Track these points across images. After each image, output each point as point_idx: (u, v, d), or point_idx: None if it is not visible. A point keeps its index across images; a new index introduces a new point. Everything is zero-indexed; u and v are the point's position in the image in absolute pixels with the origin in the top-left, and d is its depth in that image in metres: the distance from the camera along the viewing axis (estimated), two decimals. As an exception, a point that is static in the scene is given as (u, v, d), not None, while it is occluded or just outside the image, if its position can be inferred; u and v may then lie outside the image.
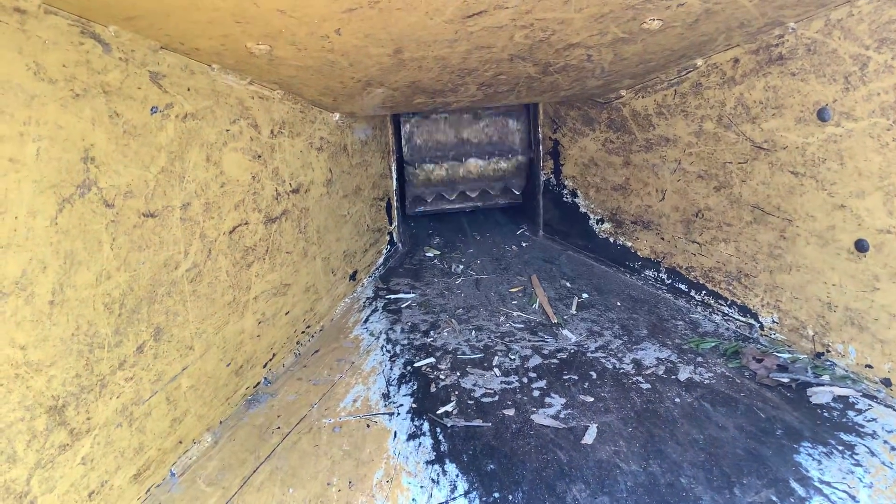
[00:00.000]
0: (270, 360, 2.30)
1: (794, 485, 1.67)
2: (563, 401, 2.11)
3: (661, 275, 2.92)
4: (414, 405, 2.11)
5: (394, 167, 3.42)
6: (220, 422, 2.02)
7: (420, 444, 1.91)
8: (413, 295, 3.03)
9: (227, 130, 1.98)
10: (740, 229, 2.44)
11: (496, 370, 2.32)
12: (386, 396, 2.17)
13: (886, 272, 1.94)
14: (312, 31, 1.69)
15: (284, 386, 2.26)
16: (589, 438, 1.90)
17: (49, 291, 1.38)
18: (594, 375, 2.26)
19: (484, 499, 1.68)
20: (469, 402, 2.12)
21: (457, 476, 1.77)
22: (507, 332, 2.63)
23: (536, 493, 1.69)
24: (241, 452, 1.90)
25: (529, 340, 2.55)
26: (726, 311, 2.58)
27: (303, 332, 2.53)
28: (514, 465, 1.80)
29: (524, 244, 3.72)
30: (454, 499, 1.69)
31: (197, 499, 1.71)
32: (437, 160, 3.62)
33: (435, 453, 1.87)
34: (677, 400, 2.08)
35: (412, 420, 2.03)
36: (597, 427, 1.96)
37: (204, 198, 1.88)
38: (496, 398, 2.14)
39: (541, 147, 3.58)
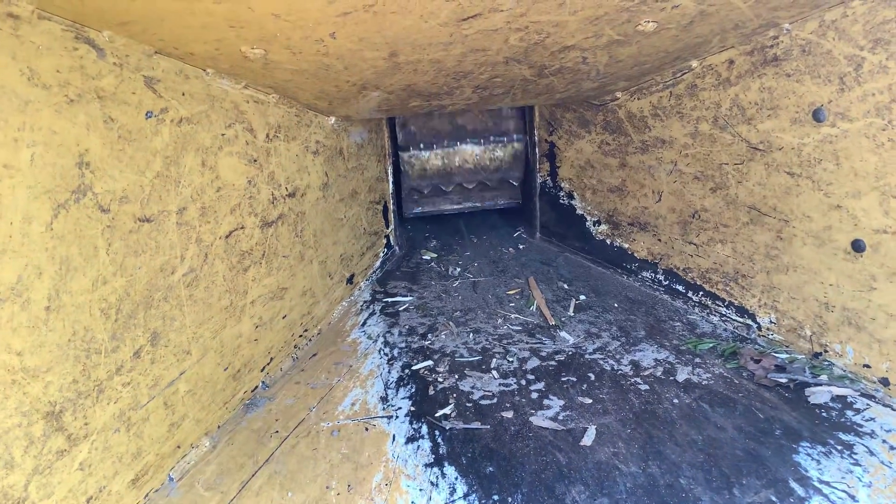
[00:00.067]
0: (268, 364, 2.29)
1: (794, 485, 1.67)
2: (562, 402, 2.11)
3: (658, 276, 2.92)
4: (412, 408, 2.11)
5: (390, 170, 3.42)
6: (218, 426, 2.01)
7: (419, 447, 1.91)
8: (410, 298, 3.03)
9: (223, 135, 1.98)
10: (737, 230, 2.45)
11: (494, 372, 2.32)
12: (384, 399, 2.17)
13: (883, 272, 1.95)
14: (307, 35, 1.69)
15: (282, 390, 2.26)
16: (588, 440, 1.90)
17: (45, 297, 1.37)
18: (592, 377, 2.25)
19: (483, 501, 1.68)
20: (467, 404, 2.12)
21: (456, 479, 1.76)
22: (504, 335, 2.63)
23: (536, 494, 1.69)
24: (240, 457, 1.89)
25: (527, 342, 2.55)
26: (724, 312, 2.58)
27: (300, 336, 2.53)
28: (513, 467, 1.80)
29: (521, 246, 3.72)
30: (453, 501, 1.68)
31: (195, 503, 1.71)
32: (432, 145, 3.61)
33: (434, 456, 1.86)
34: (676, 401, 2.08)
35: (411, 423, 2.03)
36: (595, 428, 1.95)
37: (200, 202, 1.88)
38: (494, 400, 2.14)
39: (537, 149, 3.58)
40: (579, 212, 3.38)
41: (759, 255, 2.37)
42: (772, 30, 2.13)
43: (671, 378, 2.21)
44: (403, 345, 2.56)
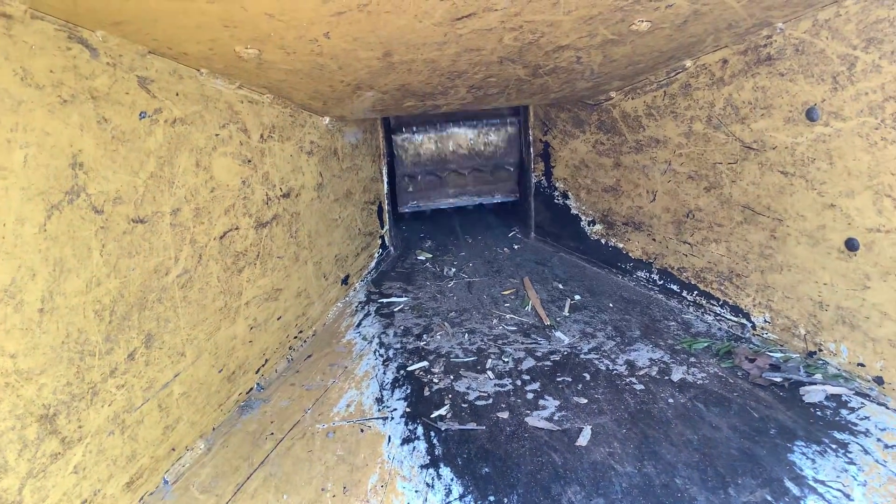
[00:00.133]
0: (263, 365, 2.28)
1: (789, 484, 1.67)
2: (557, 403, 2.11)
3: (652, 276, 2.92)
4: (408, 409, 2.11)
5: (384, 170, 3.41)
6: (213, 428, 2.00)
7: (414, 448, 1.91)
8: (405, 298, 3.03)
9: (217, 135, 1.97)
10: (731, 229, 2.45)
11: (489, 373, 2.32)
12: (379, 401, 2.16)
13: (877, 271, 1.95)
14: (301, 35, 1.69)
15: (277, 391, 2.25)
16: (583, 440, 1.90)
17: (38, 299, 1.37)
18: (588, 377, 2.26)
19: (479, 502, 1.67)
20: (463, 405, 2.12)
21: (451, 480, 1.76)
22: (500, 335, 2.63)
23: (531, 495, 1.69)
24: (235, 459, 1.88)
25: (522, 343, 2.55)
26: (718, 312, 2.58)
27: (295, 338, 2.52)
28: (509, 467, 1.80)
29: (516, 246, 3.72)
30: (449, 502, 1.68)
31: (190, 506, 1.70)
32: (425, 129, 3.60)
33: (429, 457, 1.86)
34: (671, 401, 2.08)
35: (406, 424, 2.03)
36: (591, 429, 1.95)
37: (194, 203, 1.87)
38: (490, 401, 2.14)
39: (531, 149, 3.58)
40: (574, 212, 3.38)
41: (754, 255, 2.37)
42: (765, 29, 2.13)
43: (666, 378, 2.22)
44: (399, 346, 2.56)
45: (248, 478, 1.80)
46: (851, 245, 2.01)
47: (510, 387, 2.22)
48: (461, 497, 1.70)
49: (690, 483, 1.70)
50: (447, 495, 1.70)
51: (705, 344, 2.41)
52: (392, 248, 3.56)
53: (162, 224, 1.75)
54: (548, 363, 2.37)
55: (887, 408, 1.93)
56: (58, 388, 1.42)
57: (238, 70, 1.93)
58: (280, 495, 1.73)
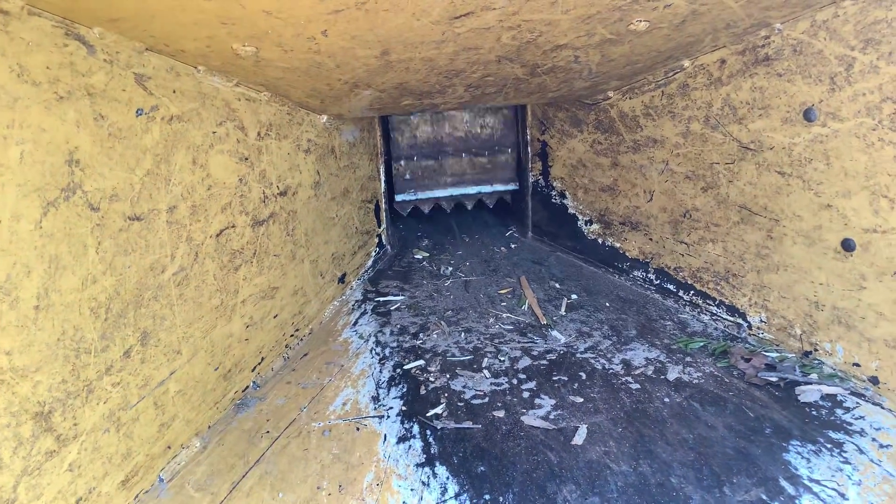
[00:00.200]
0: (259, 363, 2.28)
1: (784, 483, 1.67)
2: (553, 402, 2.11)
3: (649, 275, 2.93)
4: (404, 408, 2.11)
5: (382, 168, 3.41)
6: (209, 426, 2.00)
7: (410, 446, 1.91)
8: (402, 297, 3.03)
9: (214, 133, 1.97)
10: (728, 229, 2.45)
11: (486, 372, 2.32)
12: (375, 399, 2.16)
13: (873, 271, 1.95)
14: (299, 33, 1.68)
15: (273, 390, 2.25)
16: (579, 439, 1.90)
17: (34, 296, 1.36)
18: (584, 376, 2.26)
19: (474, 501, 1.67)
20: (459, 404, 2.12)
21: (447, 478, 1.76)
22: (496, 334, 2.63)
23: (527, 494, 1.69)
24: (230, 457, 1.88)
25: (519, 342, 2.55)
26: (714, 311, 2.59)
27: (291, 336, 2.52)
28: (505, 466, 1.80)
29: (513, 246, 3.72)
30: (445, 501, 1.68)
31: (185, 504, 1.70)
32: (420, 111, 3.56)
33: (425, 456, 1.86)
34: (666, 400, 2.08)
35: (402, 423, 2.03)
36: (587, 428, 1.96)
37: (190, 201, 1.87)
38: (486, 400, 2.14)
39: (529, 148, 3.58)
40: (571, 211, 3.38)
41: (750, 255, 2.38)
42: (763, 29, 2.14)
43: (662, 377, 2.22)
44: (395, 344, 2.56)
45: (243, 476, 1.80)
46: (848, 245, 2.01)
47: (506, 385, 2.22)
48: (457, 496, 1.70)
49: (686, 482, 1.70)
50: (443, 494, 1.71)
51: (701, 343, 2.42)
52: (389, 247, 3.56)
53: (158, 222, 1.74)
54: (544, 362, 2.37)
55: (882, 407, 1.94)
56: (53, 386, 1.41)
57: (235, 67, 1.93)
58: (275, 493, 1.73)
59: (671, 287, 2.80)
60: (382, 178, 3.41)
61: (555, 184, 3.46)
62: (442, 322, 2.74)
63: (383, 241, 3.48)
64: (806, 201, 2.13)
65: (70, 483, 1.46)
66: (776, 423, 1.92)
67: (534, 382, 2.23)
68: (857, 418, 1.91)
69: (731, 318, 2.51)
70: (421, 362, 2.40)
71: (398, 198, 3.74)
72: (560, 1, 1.70)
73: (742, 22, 2.05)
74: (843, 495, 1.62)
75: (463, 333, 2.64)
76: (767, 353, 2.26)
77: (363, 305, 2.93)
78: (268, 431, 2.00)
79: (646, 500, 1.65)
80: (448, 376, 2.29)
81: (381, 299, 3.00)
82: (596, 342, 2.51)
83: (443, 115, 3.61)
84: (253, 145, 2.18)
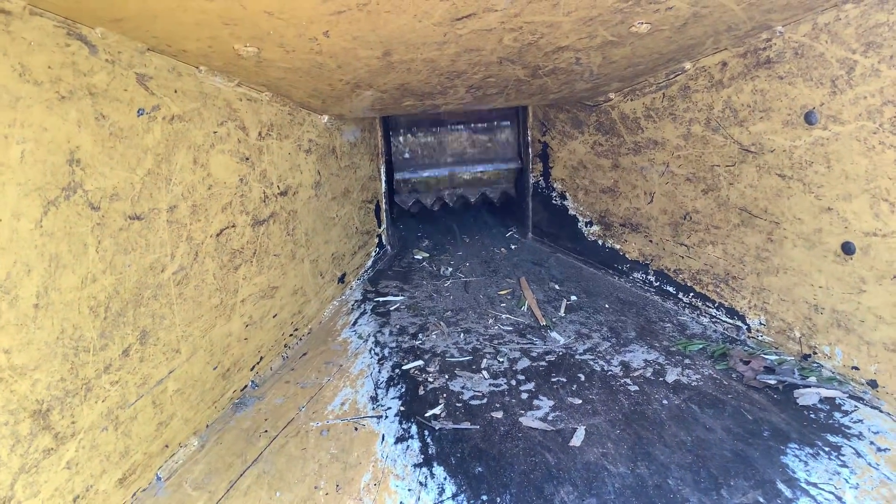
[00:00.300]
0: (258, 363, 2.29)
1: (781, 486, 1.67)
2: (552, 403, 2.11)
3: (649, 277, 2.93)
4: (402, 408, 2.11)
5: (383, 169, 3.41)
6: (207, 425, 2.00)
7: (408, 447, 1.91)
8: (402, 297, 3.03)
9: (215, 132, 1.97)
10: (728, 232, 2.45)
11: (484, 373, 2.32)
12: (374, 399, 2.16)
13: (873, 274, 1.96)
14: (300, 34, 1.69)
15: (272, 389, 2.25)
16: (577, 441, 1.90)
17: (33, 294, 1.37)
18: (582, 378, 2.26)
19: (472, 501, 1.68)
20: (457, 404, 2.12)
21: (445, 479, 1.76)
22: (495, 335, 2.63)
23: (524, 495, 1.69)
24: (228, 456, 1.89)
25: (518, 343, 2.55)
26: (714, 314, 2.59)
27: (290, 335, 2.53)
28: (503, 467, 1.80)
29: (513, 246, 3.72)
30: (442, 502, 1.68)
31: (183, 503, 1.70)
32: None
33: (423, 456, 1.86)
34: (665, 402, 2.08)
35: (400, 423, 2.03)
36: (585, 429, 1.96)
37: (191, 200, 1.87)
38: (484, 401, 2.14)
39: (530, 150, 3.58)
40: (571, 212, 3.39)
41: (750, 257, 2.38)
42: (765, 32, 2.14)
43: (661, 379, 2.22)
44: (394, 344, 2.56)
45: (241, 475, 1.80)
46: (848, 249, 2.01)
47: (505, 386, 2.22)
48: (454, 496, 1.70)
49: (683, 484, 1.70)
50: (440, 494, 1.71)
51: (700, 346, 2.42)
52: (389, 247, 3.56)
53: (158, 221, 1.75)
54: (543, 363, 2.37)
55: (880, 411, 1.94)
56: (51, 384, 1.42)
57: (237, 68, 1.93)
58: (273, 493, 1.73)
59: (671, 289, 2.80)
60: (383, 178, 3.41)
61: (555, 185, 3.46)
62: (441, 323, 2.75)
63: (383, 241, 3.49)
64: (806, 204, 2.13)
65: (68, 481, 1.46)
66: (774, 425, 1.92)
67: (532, 384, 2.23)
68: (855, 422, 1.91)
69: (731, 321, 2.51)
70: (420, 363, 2.40)
71: (397, 175, 3.64)
72: (562, 3, 1.70)
73: (743, 24, 2.05)
74: (840, 499, 1.62)
75: (462, 334, 2.64)
76: (766, 356, 2.26)
77: (363, 305, 2.94)
78: (266, 431, 2.00)
79: (643, 501, 1.65)
80: (447, 377, 2.30)
81: (381, 299, 3.00)
82: (595, 344, 2.52)
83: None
84: (254, 145, 2.18)
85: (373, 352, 2.50)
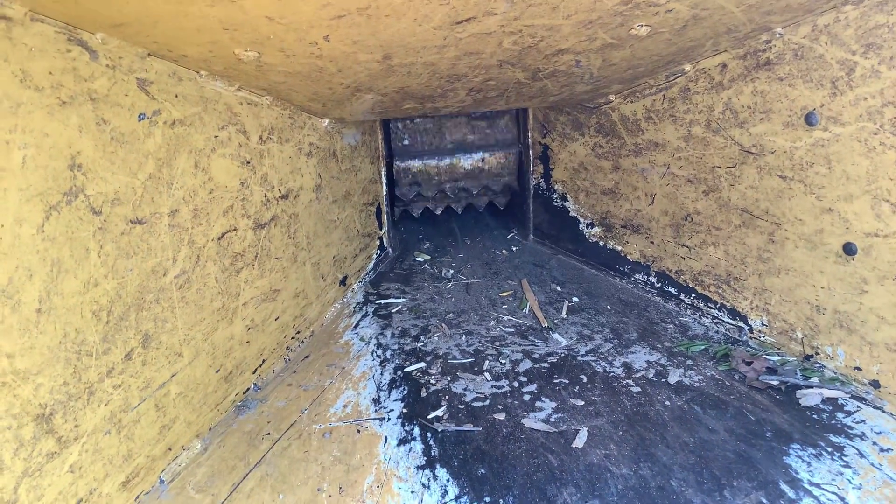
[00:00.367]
0: (260, 365, 2.29)
1: (784, 487, 1.67)
2: (554, 405, 2.11)
3: (650, 278, 2.93)
4: (404, 410, 2.11)
5: (384, 172, 3.41)
6: (210, 428, 2.01)
7: (411, 449, 1.91)
8: (403, 300, 3.03)
9: (216, 137, 1.98)
10: (729, 233, 2.46)
11: (487, 374, 2.32)
12: (376, 401, 2.17)
13: (874, 275, 1.96)
14: (301, 38, 1.69)
15: (274, 392, 2.25)
16: (579, 442, 1.91)
17: (36, 299, 1.37)
18: (584, 379, 2.26)
19: (475, 503, 1.68)
20: (460, 406, 2.12)
21: (448, 481, 1.77)
22: (497, 337, 2.63)
23: (527, 497, 1.69)
24: (231, 459, 1.89)
25: (520, 344, 2.55)
26: (716, 314, 2.59)
27: (293, 338, 2.53)
28: (505, 469, 1.81)
29: (514, 248, 3.72)
30: (445, 503, 1.69)
31: (186, 506, 1.71)
32: None
33: (426, 458, 1.87)
34: (667, 403, 2.08)
35: (403, 425, 2.03)
36: (587, 431, 1.96)
37: (192, 204, 1.88)
38: (487, 402, 2.14)
39: (531, 151, 3.58)
40: (572, 214, 3.39)
41: (752, 258, 2.38)
42: (765, 34, 2.14)
43: (663, 380, 2.22)
44: (396, 347, 2.56)
45: (244, 477, 1.81)
46: (849, 249, 2.01)
47: (507, 388, 2.22)
48: (457, 498, 1.70)
49: (686, 485, 1.70)
50: (443, 496, 1.71)
51: (702, 346, 2.42)
52: (390, 250, 3.56)
53: (160, 225, 1.75)
54: (545, 365, 2.37)
55: (883, 411, 1.94)
56: (54, 388, 1.42)
57: (237, 72, 1.94)
58: (276, 495, 1.73)
59: (672, 290, 2.80)
60: (384, 181, 3.41)
61: (556, 187, 3.46)
62: (443, 324, 2.75)
63: (385, 243, 3.49)
64: (807, 205, 2.13)
65: (71, 484, 1.47)
66: (777, 426, 1.92)
67: (535, 385, 2.23)
68: (857, 422, 1.91)
69: (733, 322, 2.51)
70: (422, 365, 2.41)
71: (398, 163, 3.60)
72: (561, 6, 1.71)
73: (743, 26, 2.05)
74: (843, 499, 1.62)
75: (464, 336, 2.64)
76: (769, 357, 2.26)
77: (364, 308, 2.94)
78: (268, 433, 2.00)
79: (646, 503, 1.65)
80: (449, 379, 2.30)
81: (383, 302, 3.01)
82: (597, 345, 2.52)
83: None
84: (255, 149, 2.19)
85: (375, 354, 2.50)
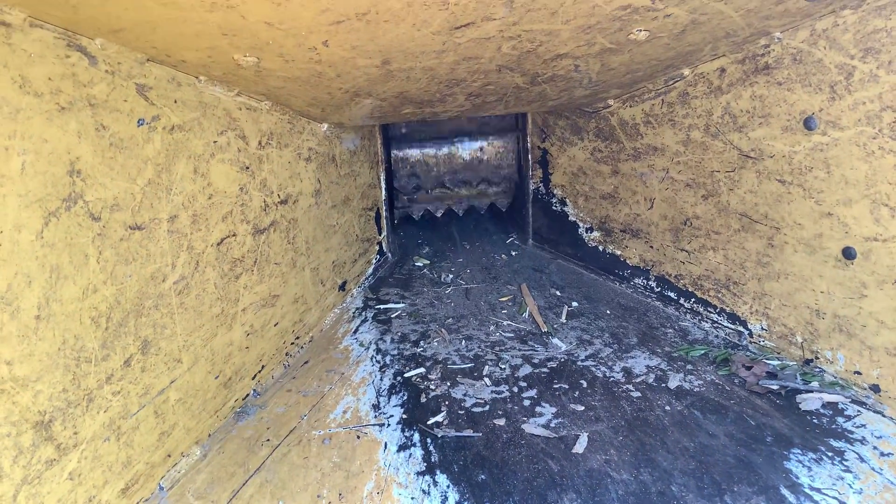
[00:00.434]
0: (259, 371, 2.28)
1: (785, 492, 1.67)
2: (554, 410, 2.11)
3: (650, 283, 2.93)
4: (404, 416, 2.11)
5: (383, 176, 3.41)
6: (209, 435, 2.00)
7: (410, 454, 1.91)
8: (403, 305, 3.03)
9: (215, 142, 1.98)
10: (728, 237, 2.46)
11: (486, 380, 2.32)
12: (376, 407, 2.16)
13: (874, 279, 1.95)
14: (300, 43, 1.69)
15: (274, 398, 2.25)
16: (580, 447, 1.90)
17: (35, 306, 1.37)
18: (584, 384, 2.26)
19: (475, 510, 1.67)
20: (459, 412, 2.12)
21: (448, 487, 1.76)
22: (497, 342, 2.63)
23: (528, 502, 1.69)
24: (230, 465, 1.88)
25: (520, 349, 2.55)
26: (715, 319, 2.58)
27: (292, 344, 2.52)
28: (505, 474, 1.80)
29: (514, 253, 3.72)
30: (445, 510, 1.68)
31: (186, 513, 1.70)
32: None
33: (425, 464, 1.86)
34: (667, 408, 2.08)
35: (402, 431, 2.03)
36: (587, 436, 1.95)
37: (191, 210, 1.88)
38: (487, 408, 2.14)
39: (530, 156, 3.58)
40: (572, 218, 3.39)
41: (751, 262, 2.38)
42: (763, 38, 2.14)
43: (663, 385, 2.22)
44: (395, 352, 2.56)
45: (243, 484, 1.80)
46: (848, 254, 2.01)
47: (507, 393, 2.22)
48: (457, 505, 1.70)
49: (686, 490, 1.70)
50: (443, 502, 1.70)
51: (702, 351, 2.42)
52: (390, 255, 3.56)
53: (159, 231, 1.75)
54: (545, 370, 2.37)
55: (883, 416, 1.93)
56: (53, 395, 1.42)
57: (237, 77, 1.94)
58: (275, 501, 1.73)
59: (672, 295, 2.80)
60: (383, 185, 3.41)
61: (555, 191, 3.47)
62: (443, 330, 2.74)
63: (384, 248, 3.49)
64: (807, 209, 2.13)
65: (70, 492, 1.46)
66: (777, 431, 1.92)
67: (534, 390, 2.23)
68: (858, 426, 1.91)
69: (732, 326, 2.51)
70: (421, 370, 2.40)
71: (395, 152, 3.57)
72: (560, 11, 1.71)
73: (742, 31, 2.05)
74: (843, 503, 1.62)
75: (464, 341, 2.64)
76: (769, 361, 2.26)
77: (364, 313, 2.94)
78: (268, 439, 2.00)
79: (646, 509, 1.65)
80: (449, 384, 2.29)
81: (382, 307, 3.00)
82: (597, 350, 2.51)
83: None
84: (254, 154, 2.19)
85: (374, 359, 2.50)
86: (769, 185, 2.24)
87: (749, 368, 2.23)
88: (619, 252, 3.11)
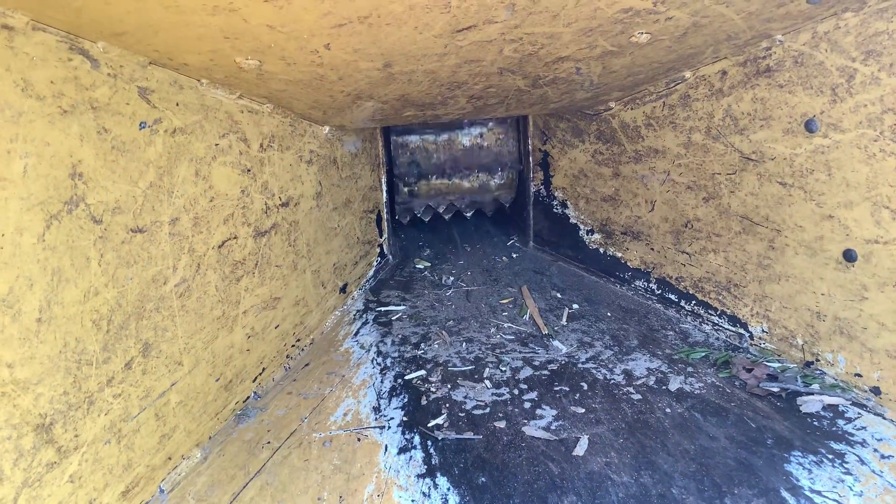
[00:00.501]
0: (260, 374, 2.29)
1: (785, 494, 1.67)
2: (555, 412, 2.11)
3: (651, 285, 2.93)
4: (405, 418, 2.11)
5: (384, 179, 3.42)
6: (210, 437, 2.00)
7: (411, 457, 1.91)
8: (403, 307, 3.03)
9: (217, 145, 1.98)
10: (729, 240, 2.46)
11: (487, 382, 2.32)
12: (377, 410, 2.16)
13: (874, 282, 1.96)
14: (301, 46, 1.69)
15: (274, 400, 2.25)
16: (580, 450, 1.90)
17: (36, 308, 1.37)
18: (585, 386, 2.26)
19: (476, 513, 1.68)
20: (460, 414, 2.12)
21: (448, 489, 1.76)
22: (497, 344, 2.63)
23: (528, 506, 1.69)
24: (231, 468, 1.88)
25: (520, 352, 2.55)
26: (716, 321, 2.58)
27: (293, 346, 2.53)
28: (506, 477, 1.80)
29: (514, 255, 3.72)
30: (446, 513, 1.68)
31: (187, 516, 1.70)
32: None
33: (426, 467, 1.86)
34: (668, 410, 2.08)
35: (403, 433, 2.03)
36: (588, 438, 1.95)
37: (193, 212, 1.88)
38: (487, 410, 2.14)
39: (531, 158, 3.59)
40: (573, 221, 3.39)
41: (752, 265, 2.38)
42: (765, 41, 2.14)
43: (664, 387, 2.22)
44: (396, 354, 2.56)
45: (244, 486, 1.80)
46: (849, 256, 2.01)
47: (507, 396, 2.22)
48: (458, 507, 1.70)
49: (687, 493, 1.70)
50: (444, 505, 1.71)
51: (703, 353, 2.42)
52: (390, 257, 3.57)
53: (160, 234, 1.75)
54: (545, 372, 2.37)
55: (884, 418, 1.93)
56: (54, 398, 1.42)
57: (238, 80, 1.94)
58: (277, 505, 1.73)
59: (673, 297, 2.80)
60: (384, 188, 3.42)
61: (556, 193, 3.47)
62: (443, 332, 2.75)
63: (385, 250, 3.49)
64: (807, 212, 2.13)
65: (71, 494, 1.46)
66: (778, 433, 1.92)
67: (535, 393, 2.23)
68: (858, 429, 1.91)
69: (733, 329, 2.51)
70: (422, 372, 2.40)
71: (395, 139, 3.56)
72: (562, 14, 1.71)
73: (743, 34, 2.05)
74: (844, 507, 1.62)
75: (464, 343, 2.64)
76: (769, 364, 2.26)
77: (364, 315, 2.94)
78: (268, 442, 2.00)
79: (647, 512, 1.65)
80: (449, 386, 2.29)
81: (383, 309, 3.00)
82: (597, 352, 2.51)
83: None
84: (255, 157, 2.19)
85: (375, 362, 2.50)
86: (770, 187, 2.24)
87: (750, 371, 2.23)
88: (619, 254, 3.11)
